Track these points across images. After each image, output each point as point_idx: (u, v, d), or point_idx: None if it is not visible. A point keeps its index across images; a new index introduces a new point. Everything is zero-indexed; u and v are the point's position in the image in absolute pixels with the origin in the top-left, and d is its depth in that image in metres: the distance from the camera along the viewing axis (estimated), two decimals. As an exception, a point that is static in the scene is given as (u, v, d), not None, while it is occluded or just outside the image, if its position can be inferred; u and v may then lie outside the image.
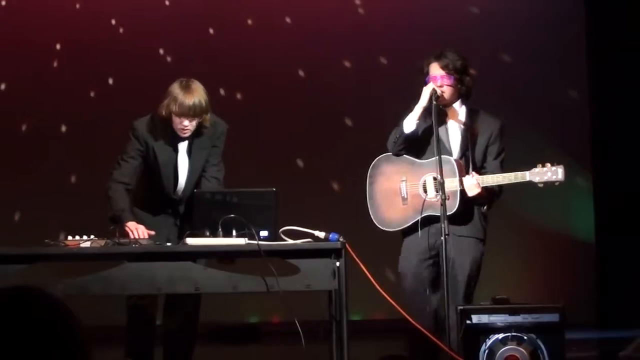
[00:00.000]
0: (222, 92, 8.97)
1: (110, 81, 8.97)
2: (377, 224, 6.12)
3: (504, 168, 6.05)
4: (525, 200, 7.95)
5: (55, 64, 8.94)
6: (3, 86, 8.98)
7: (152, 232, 5.79)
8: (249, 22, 9.11)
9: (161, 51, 9.02)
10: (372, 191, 6.15)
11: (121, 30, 9.03)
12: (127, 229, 5.80)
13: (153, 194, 6.17)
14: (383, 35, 9.05)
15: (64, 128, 8.91)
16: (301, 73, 9.09)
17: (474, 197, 5.86)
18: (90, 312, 4.26)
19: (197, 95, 5.93)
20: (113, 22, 9.02)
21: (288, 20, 9.14)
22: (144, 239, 5.69)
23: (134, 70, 8.72)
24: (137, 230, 5.76)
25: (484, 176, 5.88)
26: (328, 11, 9.11)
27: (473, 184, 5.81)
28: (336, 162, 8.69)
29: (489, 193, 5.91)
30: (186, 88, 5.94)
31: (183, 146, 6.12)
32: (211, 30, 9.07)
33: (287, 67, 9.02)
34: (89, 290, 5.43)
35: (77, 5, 9.01)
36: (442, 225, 5.61)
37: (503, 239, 8.25)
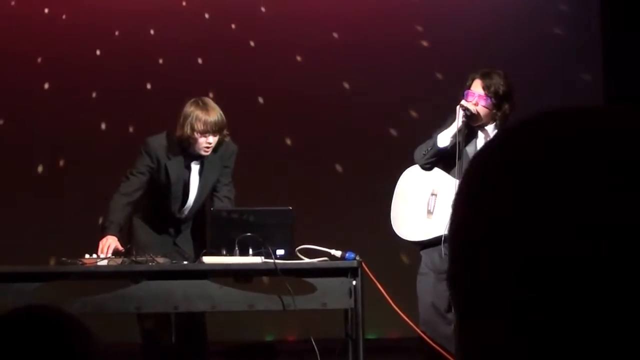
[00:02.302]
0: (260, 100, 8.97)
1: (149, 86, 8.97)
2: (394, 229, 6.05)
3: None
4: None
5: (93, 86, 8.94)
6: (46, 85, 8.97)
7: (121, 249, 5.81)
8: (295, 44, 9.06)
9: (200, 60, 9.03)
10: (399, 196, 6.09)
11: (161, 60, 9.02)
12: (101, 240, 5.84)
13: (157, 212, 6.21)
14: (439, 51, 8.99)
15: (103, 126, 8.90)
16: (346, 85, 9.07)
17: None
18: (110, 329, 4.28)
19: (217, 111, 6.01)
20: (152, 32, 9.03)
21: (335, 35, 9.12)
22: (159, 257, 5.69)
23: (172, 81, 8.70)
24: (104, 246, 5.78)
25: None
26: (378, 27, 9.07)
27: None
28: (363, 177, 8.63)
29: None
30: (205, 106, 6.00)
31: (195, 166, 6.16)
32: (252, 43, 9.07)
33: (331, 79, 8.99)
34: (106, 309, 5.44)
35: (116, 31, 9.00)
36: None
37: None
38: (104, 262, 5.51)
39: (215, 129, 5.96)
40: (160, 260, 5.61)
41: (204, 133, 5.96)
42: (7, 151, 8.71)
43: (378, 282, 5.50)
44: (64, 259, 5.50)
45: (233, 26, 9.09)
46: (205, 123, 5.94)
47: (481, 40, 8.80)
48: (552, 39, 8.97)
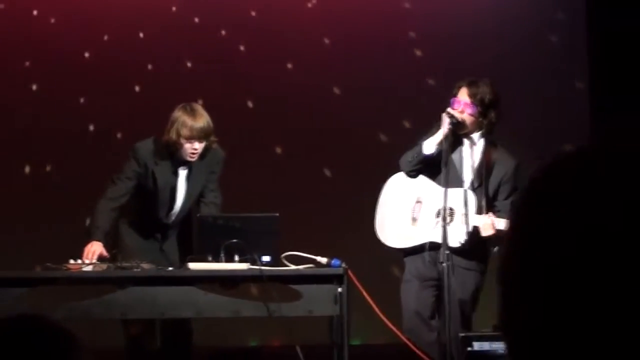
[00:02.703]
0: (249, 104, 8.96)
1: (137, 89, 8.94)
2: (379, 236, 6.06)
3: None
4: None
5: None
6: (34, 87, 8.92)
7: (106, 255, 5.78)
8: (285, 49, 9.02)
9: (189, 64, 9.00)
10: (384, 203, 6.10)
11: (150, 65, 8.99)
12: (86, 246, 5.82)
13: (144, 218, 6.20)
14: (431, 57, 8.98)
15: (90, 130, 8.86)
16: (336, 91, 9.06)
17: (487, 237, 5.82)
18: (96, 334, 4.27)
19: (205, 117, 6.02)
20: (141, 35, 9.00)
21: (326, 40, 9.11)
22: (144, 263, 5.69)
23: (161, 86, 8.68)
24: (89, 252, 5.75)
25: (501, 220, 5.81)
26: (370, 33, 9.05)
27: (488, 223, 5.76)
28: (351, 183, 8.62)
29: (504, 235, 5.85)
30: (193, 112, 6.01)
31: (183, 172, 6.16)
32: (242, 48, 9.05)
33: (321, 84, 8.98)
34: (91, 315, 5.44)
35: (105, 35, 8.97)
36: (443, 252, 5.61)
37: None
38: (89, 268, 5.49)
39: (201, 135, 5.96)
40: (146, 266, 5.61)
41: (189, 139, 5.96)
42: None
43: (363, 288, 5.51)
44: (48, 264, 5.49)
45: (223, 32, 9.07)
46: (191, 129, 5.94)
47: (473, 46, 8.81)
48: (545, 46, 8.98)
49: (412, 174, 6.04)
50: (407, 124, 8.76)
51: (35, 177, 8.73)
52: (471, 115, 5.88)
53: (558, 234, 1.05)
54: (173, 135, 5.98)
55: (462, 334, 5.66)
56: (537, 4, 9.09)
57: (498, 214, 5.90)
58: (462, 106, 5.87)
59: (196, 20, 9.05)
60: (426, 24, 9.06)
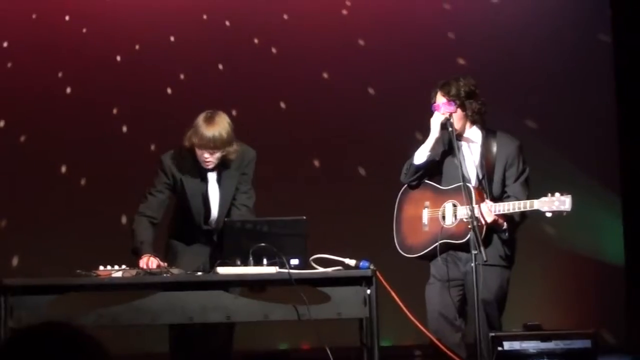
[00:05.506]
0: (282, 105, 8.96)
1: (169, 91, 8.96)
2: (399, 249, 6.15)
3: (529, 188, 6.02)
4: (554, 223, 7.90)
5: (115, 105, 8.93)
6: (68, 90, 8.95)
7: (164, 264, 5.78)
8: (319, 51, 9.02)
9: (220, 67, 9.01)
10: (398, 216, 6.19)
11: (182, 75, 9.00)
12: (140, 261, 5.81)
13: (186, 225, 6.21)
14: (466, 56, 8.97)
15: (123, 140, 8.88)
16: (371, 91, 9.05)
17: (491, 225, 5.84)
18: (128, 341, 4.29)
19: (219, 127, 5.96)
20: (172, 39, 9.02)
21: (361, 42, 9.11)
22: (173, 268, 5.71)
23: (193, 91, 8.70)
24: (148, 263, 5.76)
25: (496, 204, 5.85)
26: (406, 33, 9.04)
27: (485, 211, 5.81)
28: (379, 184, 8.61)
29: (507, 221, 5.89)
30: (209, 120, 5.98)
31: (212, 176, 6.15)
32: (274, 50, 9.05)
33: (356, 85, 8.97)
34: (121, 321, 5.44)
35: (137, 45, 9.00)
36: (473, 252, 5.59)
37: (532, 264, 8.20)
38: (119, 274, 5.51)
39: (210, 145, 5.94)
40: (175, 271, 5.62)
41: (200, 147, 5.96)
42: (27, 165, 8.73)
43: (392, 290, 5.50)
44: (78, 271, 5.51)
45: (255, 39, 9.06)
46: (202, 137, 5.93)
47: (513, 49, 8.81)
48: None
49: (413, 184, 6.14)
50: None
51: (66, 184, 8.77)
52: (453, 112, 5.97)
53: None
54: (187, 142, 6.00)
55: (493, 334, 5.64)
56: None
57: (509, 198, 5.93)
58: (442, 107, 5.98)
59: (227, 23, 9.05)
60: (465, 24, 9.05)
